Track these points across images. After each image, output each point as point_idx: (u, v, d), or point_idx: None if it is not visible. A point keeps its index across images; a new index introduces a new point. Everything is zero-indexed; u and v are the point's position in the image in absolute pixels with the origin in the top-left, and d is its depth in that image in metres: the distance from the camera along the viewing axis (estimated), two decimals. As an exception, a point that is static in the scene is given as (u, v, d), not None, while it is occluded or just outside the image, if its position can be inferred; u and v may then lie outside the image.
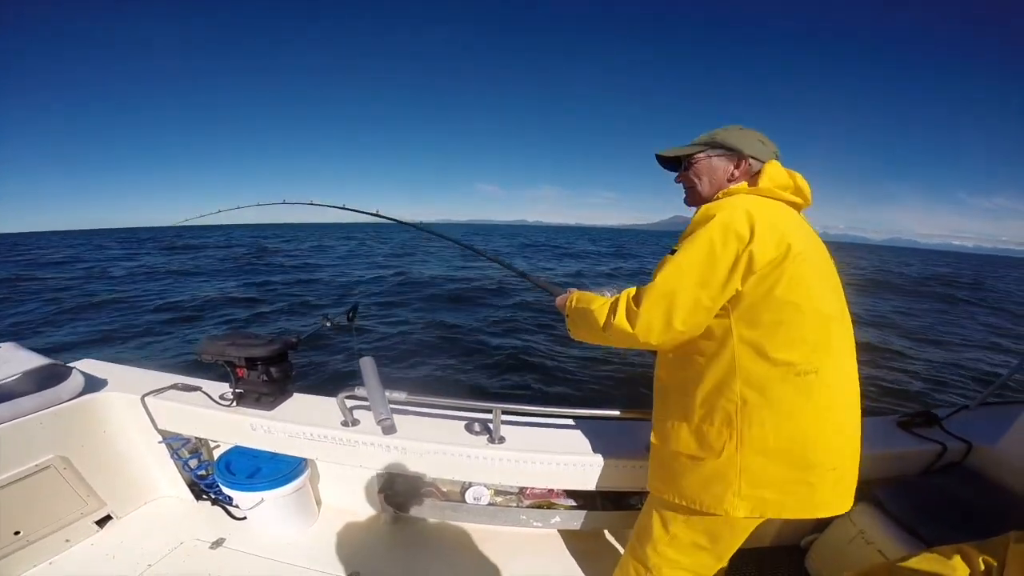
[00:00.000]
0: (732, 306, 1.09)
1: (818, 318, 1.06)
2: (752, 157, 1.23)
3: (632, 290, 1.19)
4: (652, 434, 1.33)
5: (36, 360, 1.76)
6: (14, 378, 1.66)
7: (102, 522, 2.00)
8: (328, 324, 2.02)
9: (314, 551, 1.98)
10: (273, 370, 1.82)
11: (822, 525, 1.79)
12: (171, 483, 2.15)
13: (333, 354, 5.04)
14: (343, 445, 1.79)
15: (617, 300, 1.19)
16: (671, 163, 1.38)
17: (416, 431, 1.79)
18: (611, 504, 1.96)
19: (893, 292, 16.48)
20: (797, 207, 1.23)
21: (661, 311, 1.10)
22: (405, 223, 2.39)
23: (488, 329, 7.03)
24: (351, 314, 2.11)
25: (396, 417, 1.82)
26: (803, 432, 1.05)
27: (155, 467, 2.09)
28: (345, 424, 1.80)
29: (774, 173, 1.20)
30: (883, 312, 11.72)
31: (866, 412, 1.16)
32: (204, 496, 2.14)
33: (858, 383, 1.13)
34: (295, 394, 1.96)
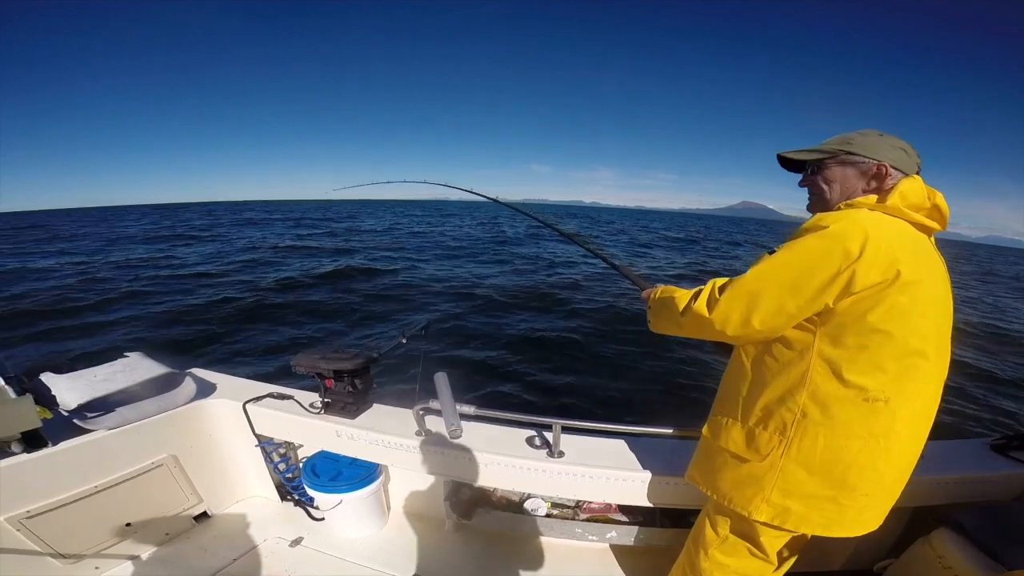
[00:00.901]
0: (820, 321, 1.02)
1: (906, 351, 0.98)
2: (893, 167, 1.08)
3: (721, 280, 1.15)
4: (705, 425, 1.31)
5: (158, 368, 1.89)
6: (140, 384, 1.80)
7: (199, 518, 2.09)
8: (404, 340, 2.14)
9: (382, 553, 2.02)
10: (357, 382, 1.91)
11: (898, 549, 1.66)
12: (261, 484, 2.24)
13: (405, 367, 5.00)
14: (415, 453, 1.84)
15: (702, 288, 1.17)
16: (794, 165, 1.27)
17: (481, 442, 1.83)
18: (669, 522, 1.94)
19: (1000, 292, 14.82)
20: (929, 230, 1.09)
21: (743, 305, 1.06)
22: (523, 211, 2.41)
23: (552, 335, 6.85)
24: (424, 331, 2.22)
25: (468, 427, 1.87)
26: (852, 455, 1.02)
27: (249, 468, 2.18)
28: (418, 433, 1.86)
29: (909, 190, 1.05)
30: (986, 314, 10.60)
31: (954, 434, 1.11)
32: (288, 497, 2.21)
33: (932, 418, 1.06)
34: (374, 404, 2.03)
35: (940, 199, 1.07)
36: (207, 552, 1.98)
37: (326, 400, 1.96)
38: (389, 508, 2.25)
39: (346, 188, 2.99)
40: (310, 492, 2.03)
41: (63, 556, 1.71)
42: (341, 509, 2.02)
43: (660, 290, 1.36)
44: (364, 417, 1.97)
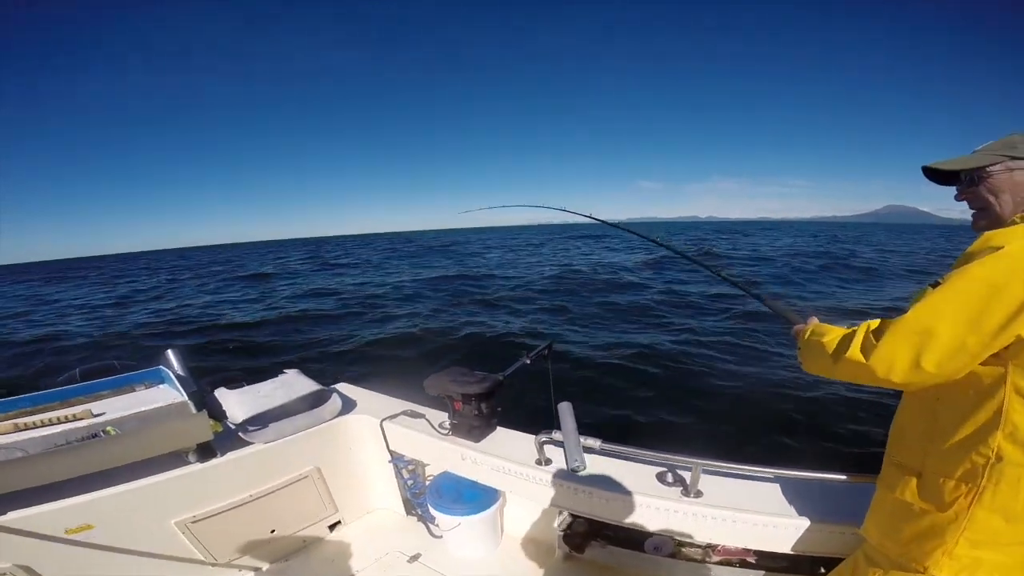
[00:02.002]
0: (1012, 353, 0.84)
1: None
2: None
3: (876, 322, 0.97)
4: (878, 478, 1.10)
5: (310, 385, 1.94)
6: (294, 400, 1.84)
7: (333, 527, 2.09)
8: (528, 361, 2.08)
9: None
10: (483, 405, 1.83)
11: None
12: (390, 497, 2.21)
13: (529, 388, 4.75)
14: (534, 483, 1.72)
15: (856, 330, 0.98)
16: (944, 177, 1.09)
17: (605, 477, 1.68)
18: (819, 569, 1.73)
19: None
20: None
21: (910, 346, 0.88)
22: (654, 241, 2.09)
23: (692, 364, 6.00)
24: (547, 351, 2.15)
25: (592, 460, 1.75)
26: None
27: (381, 482, 2.17)
28: (539, 463, 1.74)
29: None
30: None
31: None
32: (412, 512, 2.17)
33: None
34: (499, 428, 1.95)
35: None
36: (333, 563, 1.97)
37: (453, 422, 1.90)
38: (503, 530, 2.17)
39: (467, 212, 2.86)
40: (432, 511, 1.98)
41: (215, 558, 1.76)
42: (458, 530, 1.95)
43: (812, 328, 1.15)
44: (488, 441, 1.88)
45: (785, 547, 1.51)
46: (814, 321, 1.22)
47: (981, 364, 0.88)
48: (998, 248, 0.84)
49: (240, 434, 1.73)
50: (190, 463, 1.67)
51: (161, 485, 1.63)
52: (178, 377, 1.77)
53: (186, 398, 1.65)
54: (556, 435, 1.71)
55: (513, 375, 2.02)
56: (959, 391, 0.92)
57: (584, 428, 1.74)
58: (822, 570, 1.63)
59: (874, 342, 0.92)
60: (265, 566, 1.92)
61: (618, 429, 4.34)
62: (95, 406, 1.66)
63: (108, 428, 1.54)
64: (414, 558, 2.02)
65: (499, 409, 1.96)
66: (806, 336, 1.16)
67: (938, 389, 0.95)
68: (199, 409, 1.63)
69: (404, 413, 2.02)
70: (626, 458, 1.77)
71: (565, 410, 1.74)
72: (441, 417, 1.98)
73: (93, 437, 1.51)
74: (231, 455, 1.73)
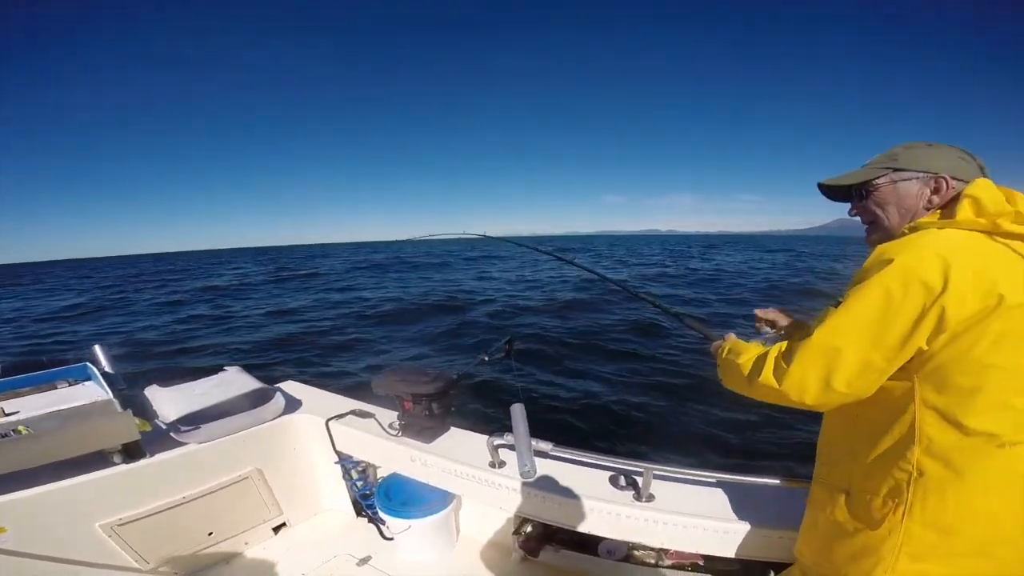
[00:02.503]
0: (915, 366, 0.83)
1: None
2: (953, 178, 0.92)
3: (783, 344, 0.97)
4: (808, 499, 1.08)
5: (252, 383, 1.83)
6: (233, 398, 1.74)
7: (277, 529, 1.99)
8: (486, 359, 1.99)
9: None
10: (435, 406, 1.75)
11: None
12: (338, 499, 2.12)
13: (489, 385, 4.63)
14: (488, 486, 1.66)
15: (766, 354, 0.97)
16: (841, 193, 1.09)
17: (558, 481, 1.62)
18: (758, 574, 1.69)
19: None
20: (1019, 238, 0.85)
21: (818, 369, 0.87)
22: (581, 266, 2.13)
23: (635, 376, 5.86)
24: (508, 347, 2.06)
25: (540, 463, 1.72)
26: (997, 507, 0.81)
27: (328, 483, 2.07)
28: (492, 465, 1.68)
29: (984, 197, 0.84)
30: None
31: None
32: (363, 514, 2.08)
33: None
34: (452, 428, 1.87)
35: (1022, 200, 0.85)
36: (279, 565, 1.87)
37: (403, 422, 1.81)
38: (459, 532, 2.09)
39: (409, 239, 2.87)
40: (381, 513, 1.90)
41: (146, 562, 1.66)
42: (410, 532, 1.87)
43: (729, 346, 1.14)
44: (440, 441, 1.80)
45: (731, 552, 1.47)
46: (731, 338, 1.20)
47: (890, 379, 0.87)
48: (888, 261, 0.83)
49: (172, 434, 1.62)
50: (116, 464, 1.56)
51: (83, 487, 1.52)
52: (105, 374, 1.65)
53: (111, 396, 1.54)
54: (509, 437, 1.65)
55: (470, 373, 1.94)
56: (875, 407, 0.91)
57: (538, 430, 1.68)
58: (772, 574, 1.59)
59: (784, 366, 0.92)
60: (203, 570, 1.82)
61: (573, 430, 4.31)
62: (9, 404, 1.54)
63: (20, 427, 1.42)
64: (364, 561, 1.94)
65: (452, 409, 1.87)
66: (723, 354, 1.14)
67: (857, 407, 0.93)
68: (125, 407, 1.52)
69: (352, 413, 1.93)
70: (579, 462, 1.71)
71: (517, 413, 1.67)
72: (391, 417, 1.90)
73: (3, 437, 1.39)
74: (161, 456, 1.62)
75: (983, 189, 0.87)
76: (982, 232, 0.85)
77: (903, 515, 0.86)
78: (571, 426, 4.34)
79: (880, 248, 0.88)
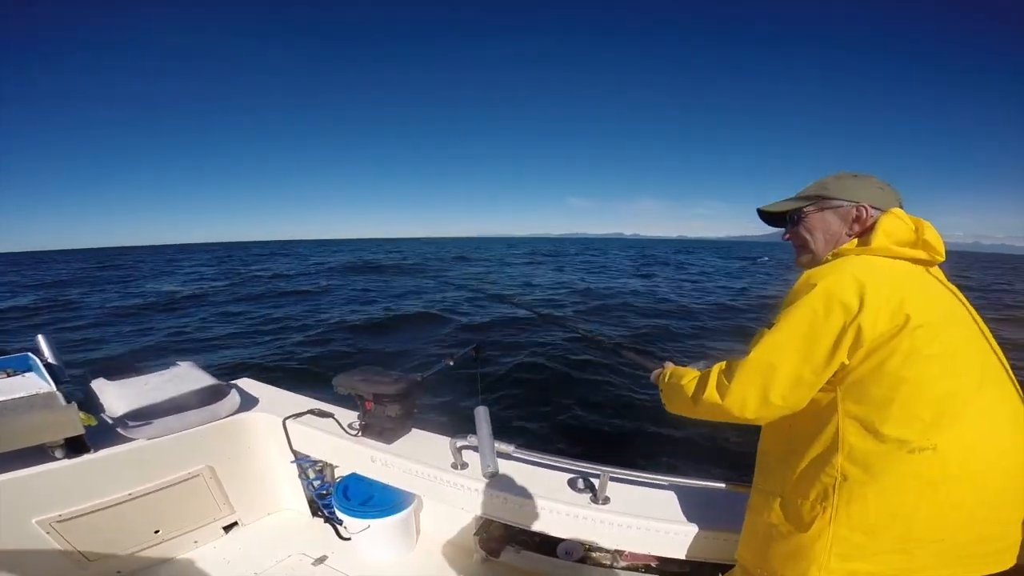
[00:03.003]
0: (838, 379, 0.91)
1: (939, 394, 0.85)
2: (872, 207, 1.01)
3: (723, 364, 1.03)
4: (747, 505, 1.14)
5: (205, 379, 1.77)
6: (186, 394, 1.67)
7: (228, 528, 1.94)
8: (451, 363, 1.97)
9: None
10: (397, 407, 1.72)
11: None
12: (294, 498, 2.07)
13: (456, 390, 4.48)
14: (448, 487, 1.65)
15: (708, 373, 1.04)
16: (776, 219, 1.17)
17: (519, 482, 1.62)
18: None
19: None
20: (926, 263, 0.98)
21: (758, 384, 0.95)
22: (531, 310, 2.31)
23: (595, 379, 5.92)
24: (476, 352, 2.05)
25: (502, 464, 1.71)
26: (910, 508, 0.86)
27: (283, 483, 2.02)
28: (454, 467, 1.67)
29: (891, 227, 0.96)
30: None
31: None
32: (319, 514, 2.04)
33: (1011, 448, 0.87)
34: (414, 429, 1.85)
35: (929, 231, 0.96)
36: (229, 563, 1.82)
37: (364, 422, 1.78)
38: (419, 532, 2.07)
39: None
40: (338, 513, 1.86)
41: (88, 560, 1.59)
42: (368, 532, 1.84)
43: (669, 373, 1.22)
44: (402, 443, 1.78)
45: (681, 553, 1.49)
46: (670, 366, 1.28)
47: (818, 392, 0.94)
48: (813, 285, 0.92)
49: (119, 429, 1.55)
50: (57, 459, 1.48)
51: (19, 482, 1.44)
52: (48, 366, 1.56)
53: (53, 388, 1.46)
54: (472, 439, 1.66)
55: (434, 377, 1.92)
56: (805, 418, 0.97)
57: (502, 433, 1.68)
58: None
59: (726, 383, 0.99)
60: (147, 568, 1.75)
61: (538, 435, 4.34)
62: (-61, 394, 1.44)
63: (-51, 420, 1.33)
64: (320, 560, 1.90)
65: (415, 411, 1.85)
66: (666, 380, 1.22)
67: (790, 418, 0.99)
68: (68, 401, 1.44)
69: (310, 412, 1.88)
70: (540, 464, 1.71)
71: (481, 414, 1.68)
72: (351, 417, 1.86)
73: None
74: (106, 451, 1.55)
75: (895, 218, 0.97)
76: (893, 257, 0.95)
77: (831, 518, 0.91)
78: (536, 432, 4.37)
79: (807, 273, 0.96)
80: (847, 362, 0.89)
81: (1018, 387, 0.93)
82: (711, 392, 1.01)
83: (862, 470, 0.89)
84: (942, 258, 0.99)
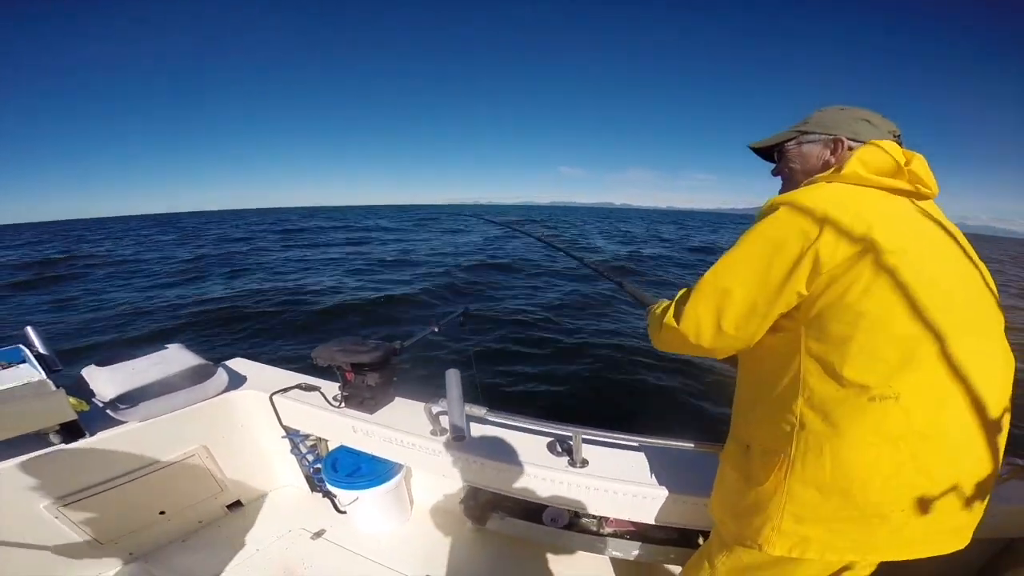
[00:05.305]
0: (801, 314, 0.81)
1: (906, 332, 0.73)
2: (851, 139, 0.92)
3: (684, 290, 0.96)
4: (722, 452, 1.05)
5: (193, 360, 1.78)
6: (174, 375, 1.69)
7: (232, 507, 1.97)
8: (436, 329, 1.91)
9: (399, 551, 1.81)
10: (376, 375, 1.70)
11: None
12: (292, 475, 2.08)
13: (442, 358, 4.51)
14: (428, 454, 1.61)
15: (672, 302, 0.99)
16: (768, 156, 1.10)
17: (499, 446, 1.56)
18: (694, 542, 1.61)
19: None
20: (915, 196, 0.86)
21: (710, 311, 0.87)
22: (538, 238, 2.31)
23: (573, 340, 5.97)
24: (462, 319, 1.98)
25: (481, 430, 1.63)
26: (868, 466, 0.75)
27: (280, 459, 2.03)
28: (434, 433, 1.62)
29: (868, 156, 0.85)
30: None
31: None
32: (317, 488, 2.04)
33: (993, 410, 0.75)
34: (397, 398, 1.81)
35: (918, 161, 0.86)
36: (232, 541, 1.84)
37: (345, 393, 1.76)
38: (413, 503, 2.05)
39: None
40: (329, 487, 1.86)
41: (99, 542, 1.63)
42: (361, 504, 1.83)
43: (654, 306, 1.15)
44: (383, 412, 1.75)
45: (652, 518, 1.42)
46: (663, 302, 1.19)
47: (782, 328, 0.86)
48: (775, 209, 0.84)
49: (110, 412, 1.57)
50: (53, 444, 1.51)
51: (20, 468, 1.47)
52: (39, 356, 1.59)
53: (44, 376, 1.48)
54: (444, 403, 1.59)
55: (420, 343, 1.87)
56: (772, 356, 0.89)
57: (488, 398, 1.63)
58: (701, 541, 1.52)
59: (682, 307, 0.93)
60: (158, 549, 1.78)
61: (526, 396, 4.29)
62: (-60, 389, 1.48)
63: (-50, 411, 1.36)
64: (318, 534, 1.90)
65: (395, 379, 1.81)
66: (652, 311, 1.15)
67: (758, 358, 0.92)
68: (58, 387, 1.47)
69: (297, 387, 1.87)
70: (514, 427, 1.66)
71: (451, 377, 1.61)
72: (336, 390, 1.84)
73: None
74: (102, 435, 1.57)
75: (873, 147, 0.87)
76: (868, 186, 0.84)
77: (787, 471, 0.82)
78: (526, 398, 4.35)
79: (771, 200, 0.89)
80: (804, 292, 0.79)
81: (1007, 343, 0.80)
82: (669, 317, 0.95)
83: (821, 418, 0.79)
84: (931, 191, 0.86)
